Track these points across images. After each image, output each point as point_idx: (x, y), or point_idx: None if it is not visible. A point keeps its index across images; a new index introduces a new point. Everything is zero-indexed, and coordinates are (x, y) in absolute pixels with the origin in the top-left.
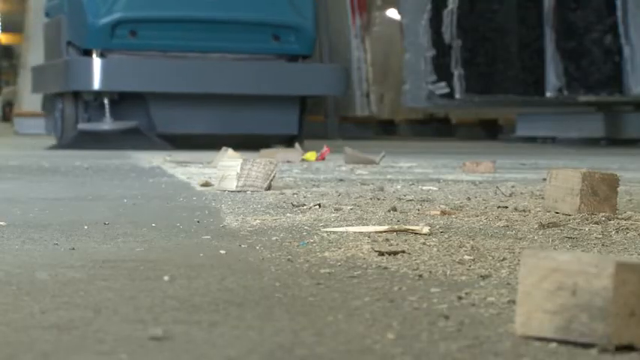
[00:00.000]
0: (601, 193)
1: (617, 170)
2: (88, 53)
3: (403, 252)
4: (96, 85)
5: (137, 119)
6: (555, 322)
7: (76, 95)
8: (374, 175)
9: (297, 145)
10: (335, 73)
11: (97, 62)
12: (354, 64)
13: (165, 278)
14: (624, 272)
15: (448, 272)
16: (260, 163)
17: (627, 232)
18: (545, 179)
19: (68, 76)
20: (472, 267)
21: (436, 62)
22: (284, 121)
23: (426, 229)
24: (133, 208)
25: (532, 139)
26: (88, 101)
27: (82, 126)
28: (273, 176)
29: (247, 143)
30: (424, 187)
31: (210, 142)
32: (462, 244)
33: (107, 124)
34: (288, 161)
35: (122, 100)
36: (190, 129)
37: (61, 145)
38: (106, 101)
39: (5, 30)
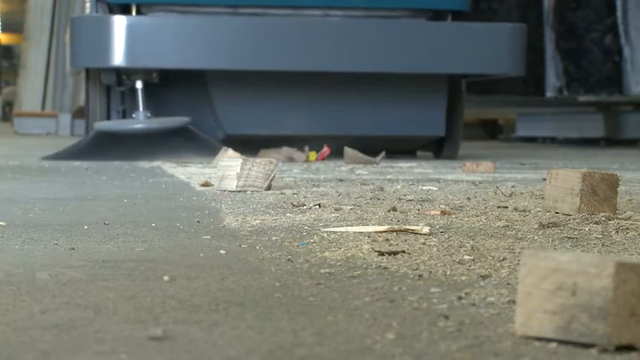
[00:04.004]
0: (601, 193)
1: (617, 170)
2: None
3: (403, 252)
4: (116, 59)
5: (192, 114)
6: (555, 322)
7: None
8: (374, 175)
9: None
10: (510, 38)
11: (118, 22)
12: None
13: (165, 278)
14: (624, 272)
15: (448, 272)
16: (260, 163)
17: (627, 232)
18: (545, 179)
19: (73, 46)
20: (472, 267)
21: None
22: (423, 116)
23: (426, 229)
24: (133, 208)
25: (532, 139)
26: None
27: (101, 125)
28: (273, 176)
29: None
30: (424, 187)
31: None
32: (462, 244)
33: (139, 121)
34: (291, 159)
35: (167, 85)
36: (277, 129)
37: (63, 154)
38: (139, 86)
39: (5, 30)
